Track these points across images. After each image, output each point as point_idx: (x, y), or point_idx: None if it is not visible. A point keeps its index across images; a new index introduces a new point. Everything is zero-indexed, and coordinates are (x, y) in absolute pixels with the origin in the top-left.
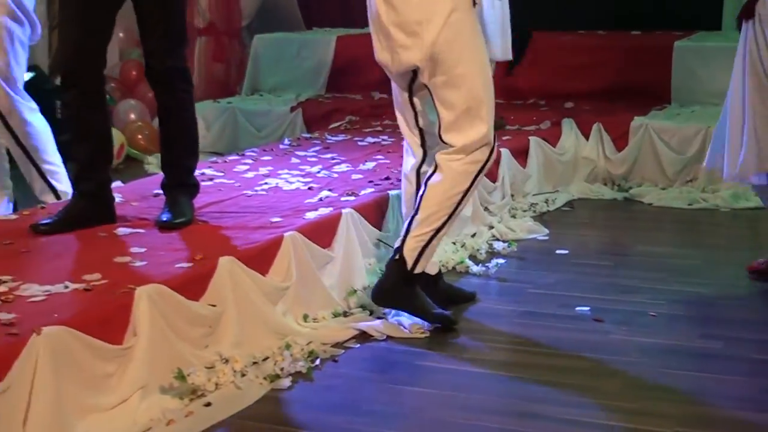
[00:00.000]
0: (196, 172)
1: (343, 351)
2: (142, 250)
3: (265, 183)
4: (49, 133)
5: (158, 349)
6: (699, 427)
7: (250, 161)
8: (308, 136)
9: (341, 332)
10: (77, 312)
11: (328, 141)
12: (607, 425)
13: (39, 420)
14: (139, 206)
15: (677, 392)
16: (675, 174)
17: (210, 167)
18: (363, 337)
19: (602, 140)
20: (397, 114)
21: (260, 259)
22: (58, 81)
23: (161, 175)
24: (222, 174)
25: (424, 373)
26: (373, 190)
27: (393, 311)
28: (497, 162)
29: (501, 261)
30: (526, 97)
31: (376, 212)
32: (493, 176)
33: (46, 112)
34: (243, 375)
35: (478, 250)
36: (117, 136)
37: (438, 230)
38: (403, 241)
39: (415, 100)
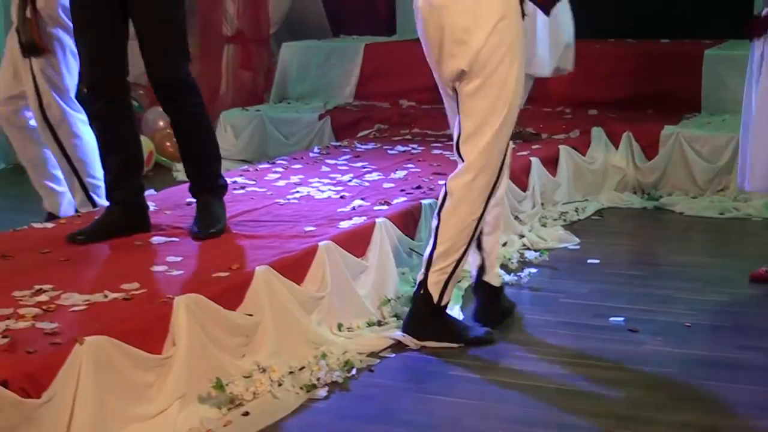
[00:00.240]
0: (228, 180)
1: (378, 361)
2: (179, 259)
3: (297, 191)
4: (96, 146)
5: (197, 358)
6: None
7: (281, 169)
8: (337, 144)
9: (376, 342)
10: (118, 321)
11: (357, 149)
12: None
13: (82, 429)
14: (172, 214)
15: (719, 404)
16: (706, 183)
17: (241, 175)
18: (398, 346)
19: (632, 149)
20: (450, 120)
21: (295, 268)
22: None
23: None
24: (254, 182)
25: (459, 383)
26: (405, 198)
27: None
28: (527, 171)
29: (533, 270)
30: (555, 105)
31: (408, 221)
32: (523, 185)
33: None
34: (280, 384)
35: (509, 259)
36: (145, 144)
37: (459, 261)
38: (426, 275)
39: None
